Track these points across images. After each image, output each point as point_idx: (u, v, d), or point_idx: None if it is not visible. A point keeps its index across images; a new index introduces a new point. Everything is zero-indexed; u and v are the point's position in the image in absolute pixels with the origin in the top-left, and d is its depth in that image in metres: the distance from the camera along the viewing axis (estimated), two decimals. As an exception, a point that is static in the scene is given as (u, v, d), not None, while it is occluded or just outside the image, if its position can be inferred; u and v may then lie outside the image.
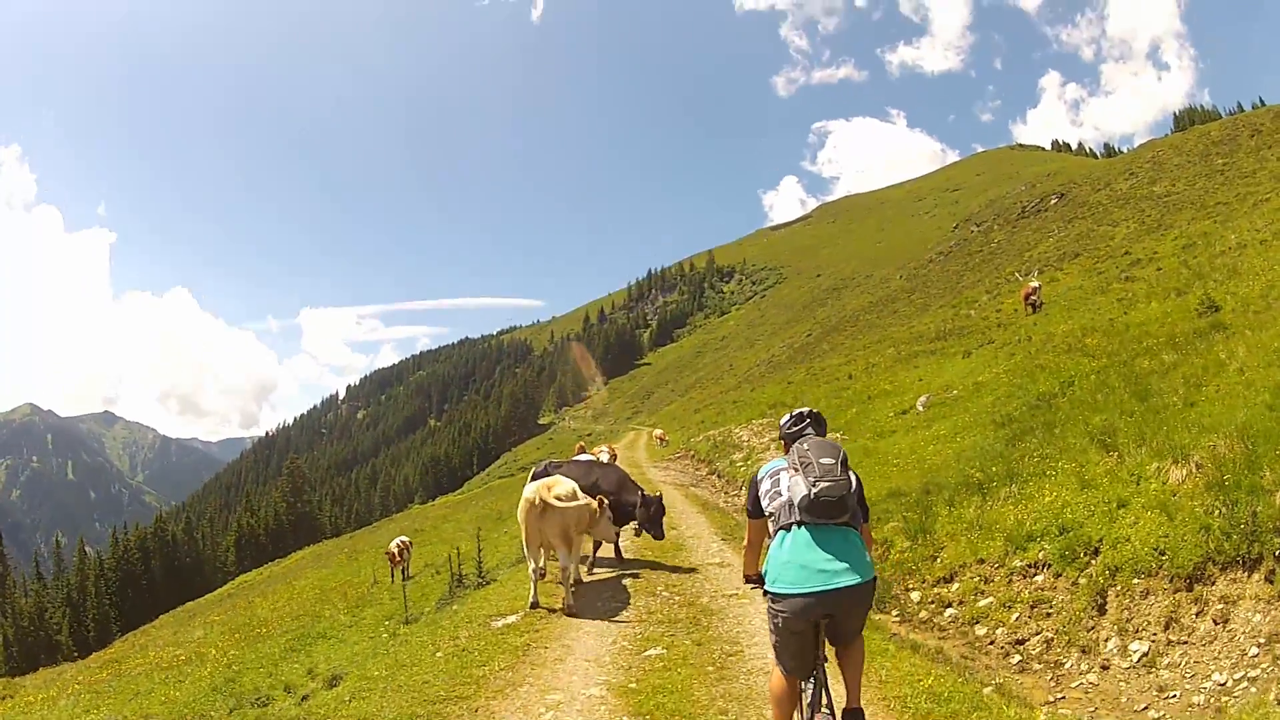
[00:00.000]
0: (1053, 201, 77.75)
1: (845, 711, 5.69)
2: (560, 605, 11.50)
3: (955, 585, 11.04)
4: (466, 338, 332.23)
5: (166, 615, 58.83)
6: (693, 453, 37.93)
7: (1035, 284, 35.40)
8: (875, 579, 5.61)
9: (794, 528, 5.58)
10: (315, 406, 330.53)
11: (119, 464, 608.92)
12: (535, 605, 11.65)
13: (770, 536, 5.88)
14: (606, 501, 13.35)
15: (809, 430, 6.17)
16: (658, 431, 60.86)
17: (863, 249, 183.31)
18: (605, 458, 25.35)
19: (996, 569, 10.65)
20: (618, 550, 15.47)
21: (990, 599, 10.27)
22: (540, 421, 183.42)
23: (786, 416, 6.43)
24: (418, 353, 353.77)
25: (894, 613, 11.36)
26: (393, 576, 26.97)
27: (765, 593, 5.67)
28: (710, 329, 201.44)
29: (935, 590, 11.26)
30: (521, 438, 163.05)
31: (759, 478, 6.16)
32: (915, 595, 11.42)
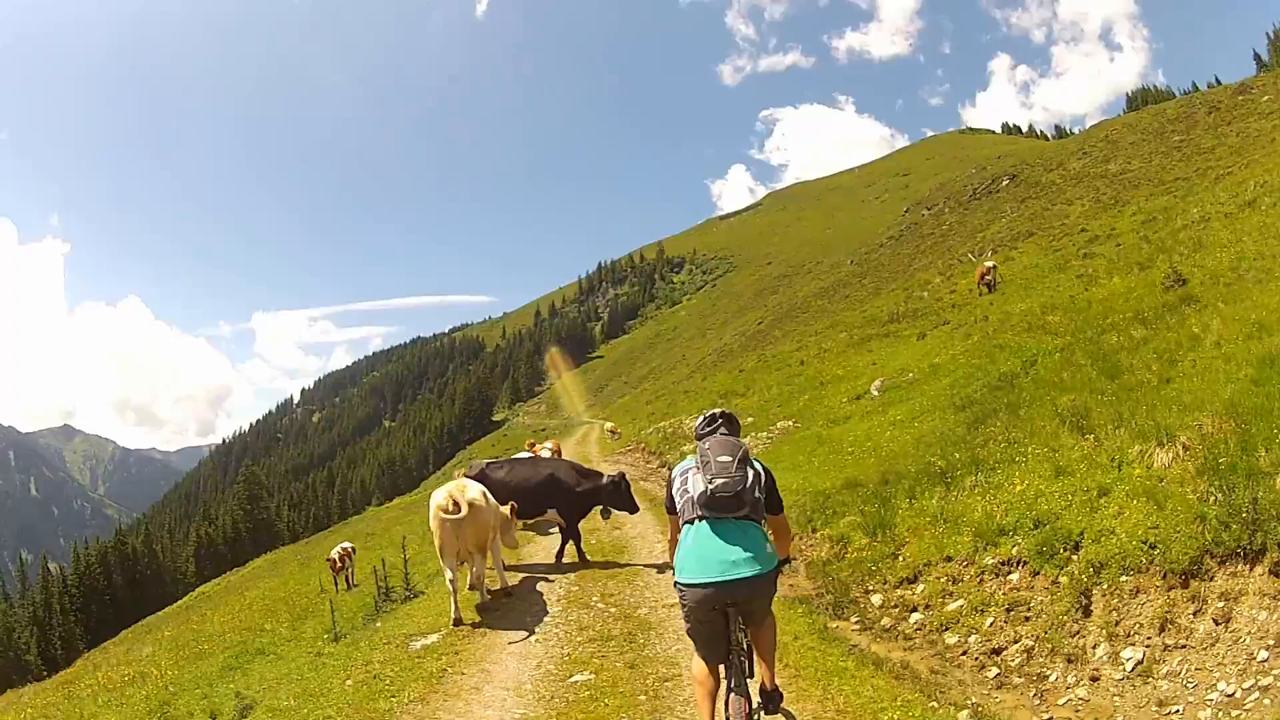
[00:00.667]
0: (1004, 183, 77.66)
1: (762, 692, 6.36)
2: (481, 617, 11.10)
3: (920, 587, 9.85)
4: (419, 337, 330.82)
5: (128, 630, 57.66)
6: (644, 445, 36.69)
7: (990, 263, 34.97)
8: (776, 569, 5.98)
9: (696, 522, 5.94)
10: (271, 411, 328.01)
11: (80, 478, 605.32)
12: (458, 622, 10.85)
13: (677, 533, 6.31)
14: (517, 507, 13.29)
15: (721, 430, 6.48)
16: (609, 425, 60.00)
17: (813, 235, 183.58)
18: (548, 455, 24.38)
19: (965, 567, 9.48)
20: (560, 553, 14.62)
21: (960, 601, 9.11)
22: (494, 418, 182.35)
23: (700, 417, 6.79)
24: (370, 354, 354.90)
25: (853, 619, 10.11)
26: (336, 585, 25.74)
27: (675, 583, 6.03)
28: (662, 320, 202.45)
29: (898, 593, 10.05)
30: (476, 435, 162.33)
31: (673, 476, 6.45)
32: (876, 599, 10.23)
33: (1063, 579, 8.26)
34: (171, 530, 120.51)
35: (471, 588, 12.06)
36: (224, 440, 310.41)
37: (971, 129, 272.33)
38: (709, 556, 5.74)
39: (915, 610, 9.62)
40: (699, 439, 6.47)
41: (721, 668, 6.03)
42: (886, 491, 12.40)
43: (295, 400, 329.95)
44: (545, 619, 10.78)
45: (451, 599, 11.08)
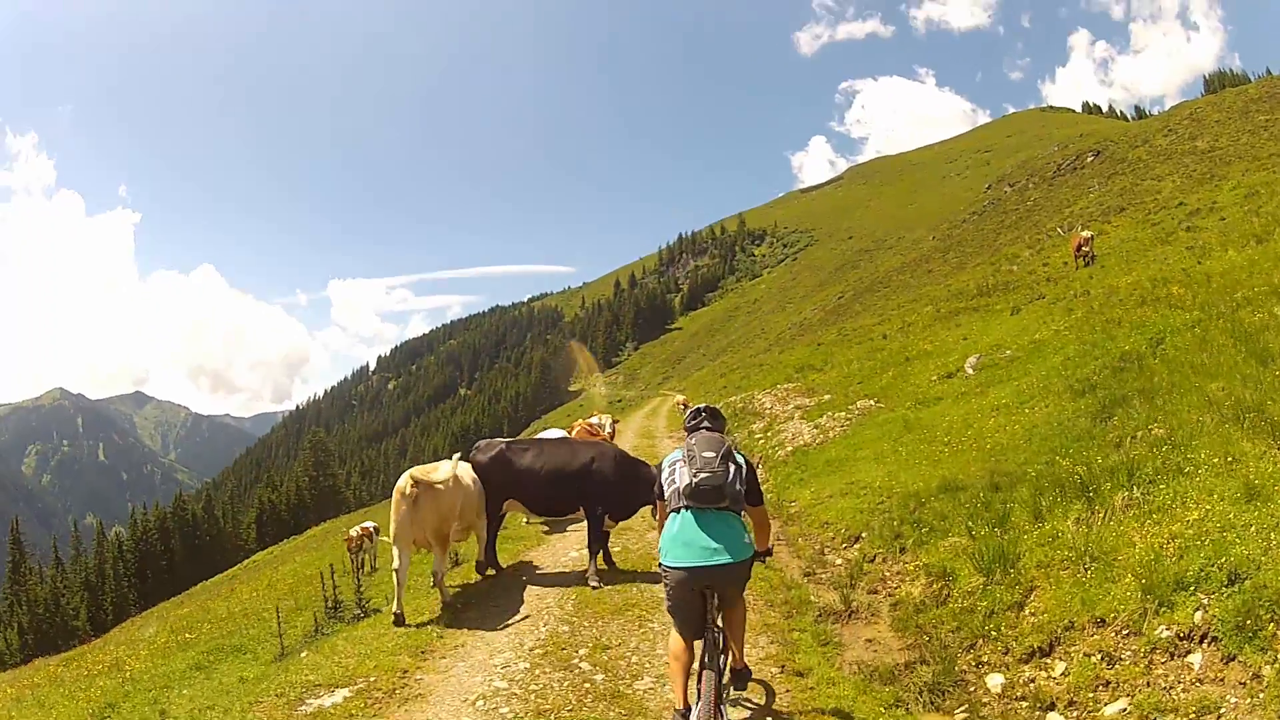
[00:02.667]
0: (1089, 159, 75.89)
1: (733, 670, 6.90)
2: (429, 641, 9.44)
3: (1059, 665, 6.61)
4: (498, 305, 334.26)
5: (178, 597, 57.60)
6: None
7: (1087, 234, 32.53)
8: (749, 559, 6.44)
9: (681, 511, 6.39)
10: (346, 378, 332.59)
11: (150, 443, 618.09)
12: (398, 620, 10.15)
13: (666, 518, 6.69)
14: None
15: (704, 425, 7.01)
16: (680, 397, 57.84)
17: (894, 210, 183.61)
18: (607, 429, 22.29)
19: (1127, 638, 6.30)
20: (591, 566, 11.73)
21: (1123, 702, 5.86)
22: (571, 388, 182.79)
23: (689, 411, 7.31)
24: (448, 322, 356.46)
25: (960, 713, 6.85)
26: (355, 568, 22.77)
27: (659, 564, 6.55)
28: (742, 292, 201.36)
29: (1026, 671, 6.87)
30: (552, 405, 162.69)
31: (662, 465, 6.97)
32: (995, 681, 7.01)
33: (1267, 671, 5.27)
34: (234, 496, 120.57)
35: (434, 585, 10.99)
36: (297, 406, 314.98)
37: (1052, 107, 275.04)
38: (691, 543, 6.22)
39: (1053, 709, 6.37)
40: (687, 432, 7.08)
41: (698, 645, 6.44)
42: (999, 502, 9.67)
43: (371, 367, 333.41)
44: (498, 678, 8.07)
45: (396, 592, 10.39)
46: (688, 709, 6.13)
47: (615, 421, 26.33)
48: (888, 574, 10.38)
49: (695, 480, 6.27)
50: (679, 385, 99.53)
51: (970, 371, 19.15)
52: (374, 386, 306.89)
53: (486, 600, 11.10)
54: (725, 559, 6.15)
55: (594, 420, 21.94)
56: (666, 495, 6.65)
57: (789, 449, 20.22)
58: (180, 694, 11.53)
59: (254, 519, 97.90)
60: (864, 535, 11.91)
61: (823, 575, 11.31)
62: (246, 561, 72.42)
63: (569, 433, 17.77)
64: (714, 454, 6.42)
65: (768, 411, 27.60)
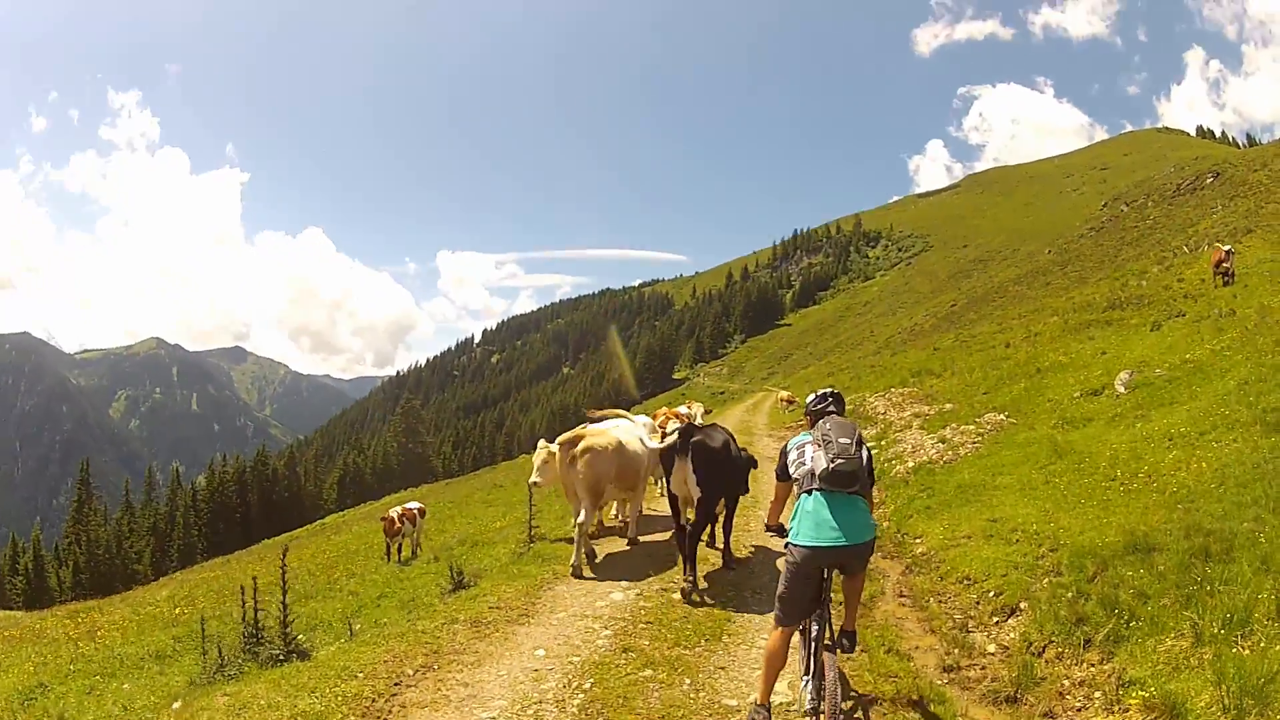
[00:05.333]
0: (1209, 180, 73.47)
1: (842, 631, 7.12)
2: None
3: None
4: (608, 288, 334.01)
5: (243, 551, 60.21)
6: None
7: (1226, 248, 30.77)
8: (874, 539, 6.70)
9: (814, 492, 6.62)
10: (449, 349, 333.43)
11: (246, 398, 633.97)
12: (576, 573, 11.49)
13: (794, 498, 6.93)
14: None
15: (831, 409, 7.50)
16: (784, 394, 55.75)
17: (1010, 221, 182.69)
18: (697, 419, 21.04)
19: None
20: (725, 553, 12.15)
21: None
22: (675, 376, 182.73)
23: (812, 395, 7.81)
24: (556, 301, 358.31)
25: None
26: (388, 554, 21.80)
27: (786, 543, 6.76)
28: (854, 293, 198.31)
29: None
30: (654, 391, 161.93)
31: (788, 449, 7.27)
32: None
33: None
34: (319, 456, 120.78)
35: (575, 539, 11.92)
36: (398, 373, 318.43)
37: (1168, 128, 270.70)
38: (824, 523, 6.44)
39: None
40: (813, 415, 7.59)
41: (798, 634, 6.89)
42: (1218, 578, 7.39)
43: (476, 340, 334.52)
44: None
45: (576, 545, 11.75)
46: (767, 707, 6.46)
47: (707, 411, 25.46)
48: (1069, 684, 7.37)
49: (832, 465, 6.49)
50: (783, 382, 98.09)
51: (1122, 390, 17.38)
52: (477, 359, 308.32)
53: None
54: (857, 539, 6.45)
55: (682, 410, 21.14)
56: (795, 476, 6.96)
57: (909, 464, 18.04)
58: (119, 687, 11.22)
59: (336, 480, 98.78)
60: (1023, 607, 9.02)
61: (971, 672, 8.19)
62: (315, 524, 73.41)
63: (654, 419, 17.04)
64: (849, 440, 6.64)
65: (880, 417, 26.27)
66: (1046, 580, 9.21)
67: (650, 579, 11.40)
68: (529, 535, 14.14)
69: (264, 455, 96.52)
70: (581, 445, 11.65)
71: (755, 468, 12.85)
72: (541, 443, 13.03)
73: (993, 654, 8.49)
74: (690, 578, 10.50)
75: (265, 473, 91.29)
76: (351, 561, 24.14)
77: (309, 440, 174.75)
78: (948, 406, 23.74)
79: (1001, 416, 19.35)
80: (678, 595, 10.42)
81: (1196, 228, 55.25)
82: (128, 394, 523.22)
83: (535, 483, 12.85)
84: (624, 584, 11.17)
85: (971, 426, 19.24)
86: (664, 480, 12.80)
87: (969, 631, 9.14)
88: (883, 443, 21.35)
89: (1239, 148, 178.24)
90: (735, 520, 12.23)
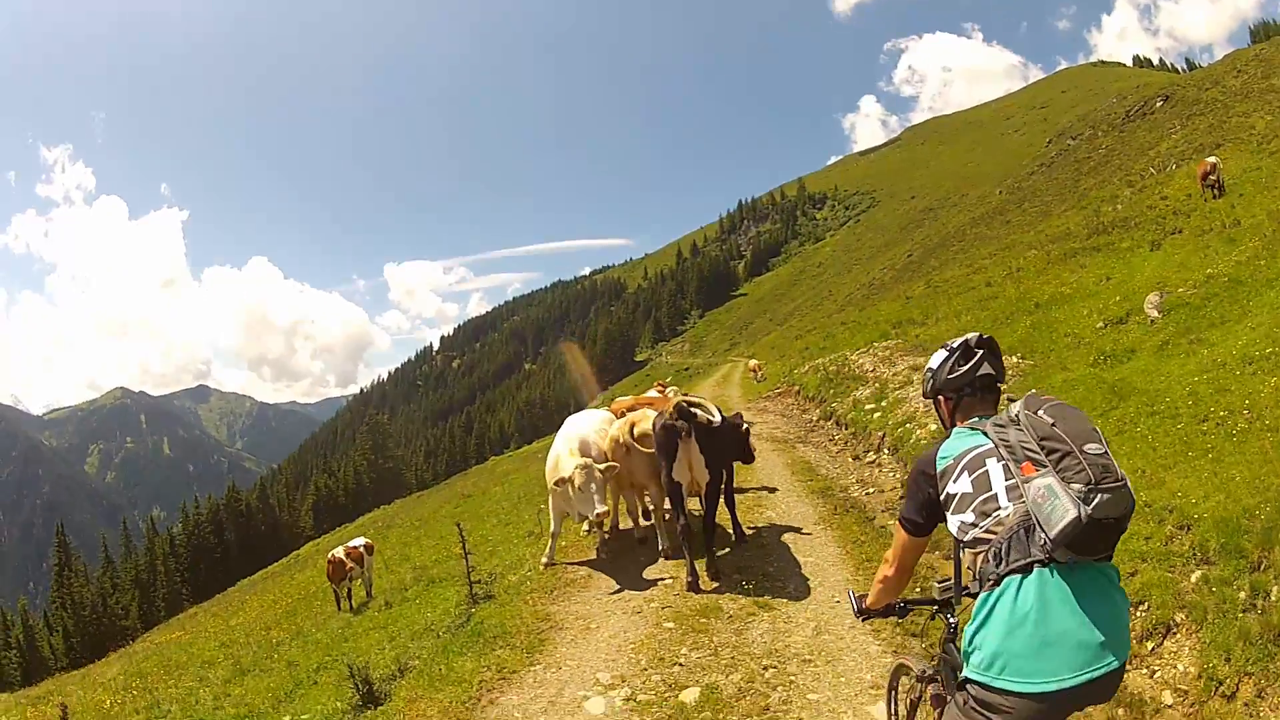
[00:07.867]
0: (1158, 104, 72.80)
1: None
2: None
3: None
4: (559, 280, 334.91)
5: (225, 593, 59.79)
6: (797, 388, 30.06)
7: (1213, 160, 29.68)
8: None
9: (1037, 569, 3.06)
10: (410, 359, 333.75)
11: (216, 434, 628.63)
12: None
13: (975, 581, 3.29)
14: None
15: (985, 369, 3.77)
16: (753, 362, 52.36)
17: (954, 169, 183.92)
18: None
19: None
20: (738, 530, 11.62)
21: None
22: (637, 358, 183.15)
23: (941, 351, 3.90)
24: (510, 299, 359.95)
25: None
26: (337, 601, 18.47)
27: (965, 683, 3.20)
28: (806, 256, 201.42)
29: None
30: (618, 375, 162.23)
31: (938, 465, 3.50)
32: None
33: None
34: (291, 484, 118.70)
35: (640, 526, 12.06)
36: (362, 390, 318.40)
37: (1103, 61, 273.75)
38: (1068, 638, 2.96)
39: None
40: (951, 390, 3.80)
41: None
42: None
43: (435, 347, 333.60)
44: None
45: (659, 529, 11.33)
46: None
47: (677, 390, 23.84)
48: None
49: (1093, 507, 2.91)
50: (747, 351, 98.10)
51: (1155, 314, 15.24)
52: (438, 366, 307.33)
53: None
54: (1119, 659, 3.02)
55: (653, 393, 19.14)
56: (972, 534, 3.32)
57: (930, 427, 14.90)
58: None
59: (310, 506, 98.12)
60: (1180, 620, 6.14)
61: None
62: (290, 556, 72.48)
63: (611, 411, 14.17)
64: (1102, 446, 3.06)
65: (870, 375, 23.61)
66: (1197, 575, 6.35)
67: (647, 670, 7.54)
68: (470, 590, 10.52)
69: (235, 491, 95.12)
70: (639, 429, 10.47)
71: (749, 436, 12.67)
72: (569, 459, 10.32)
73: (1171, 708, 5.62)
74: (703, 571, 9.79)
75: (239, 509, 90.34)
76: (305, 611, 21.78)
77: (280, 470, 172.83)
78: (950, 357, 21.88)
79: (1015, 359, 17.27)
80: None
81: (1157, 149, 54.40)
82: (100, 447, 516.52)
83: (602, 512, 10.07)
84: (605, 679, 7.45)
85: (992, 378, 17.32)
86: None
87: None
88: (882, 404, 18.98)
89: (1179, 73, 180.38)
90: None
